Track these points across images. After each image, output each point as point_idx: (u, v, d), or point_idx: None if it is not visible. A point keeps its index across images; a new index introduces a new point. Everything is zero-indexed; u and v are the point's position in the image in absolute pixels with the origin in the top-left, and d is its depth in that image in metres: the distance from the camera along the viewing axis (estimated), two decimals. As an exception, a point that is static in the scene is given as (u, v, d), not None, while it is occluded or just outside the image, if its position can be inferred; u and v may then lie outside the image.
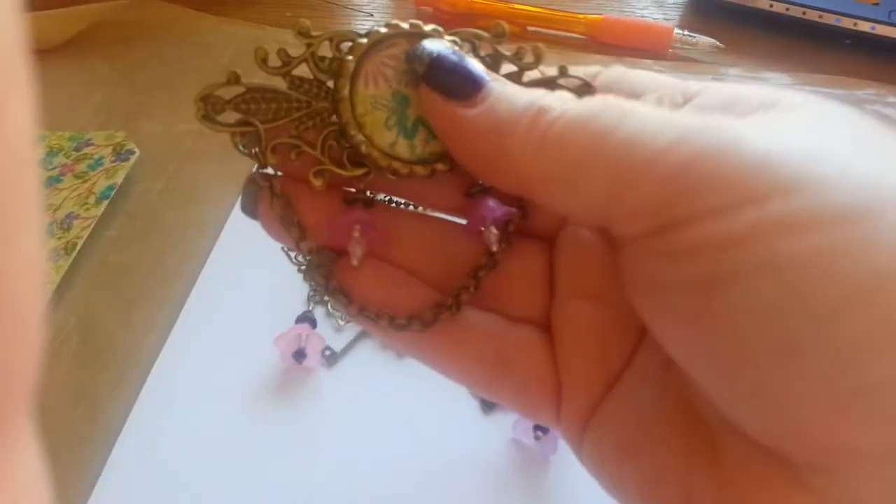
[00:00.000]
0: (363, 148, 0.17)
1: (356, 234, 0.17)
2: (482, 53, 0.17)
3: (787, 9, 0.47)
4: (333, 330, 0.29)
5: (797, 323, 0.13)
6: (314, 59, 0.17)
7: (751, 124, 0.14)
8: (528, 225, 0.19)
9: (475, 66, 0.17)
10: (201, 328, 0.29)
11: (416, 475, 0.24)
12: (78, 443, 0.26)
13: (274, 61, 0.17)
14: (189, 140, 0.39)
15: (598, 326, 0.18)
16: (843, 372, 0.13)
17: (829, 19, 0.46)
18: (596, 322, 0.19)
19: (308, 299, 0.30)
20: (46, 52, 0.43)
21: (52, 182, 0.35)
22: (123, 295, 0.31)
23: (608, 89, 0.18)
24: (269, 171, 0.18)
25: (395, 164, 0.17)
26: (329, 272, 0.18)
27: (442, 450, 0.25)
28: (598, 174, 0.15)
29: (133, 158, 0.36)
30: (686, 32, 0.46)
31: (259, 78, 0.17)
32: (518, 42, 0.18)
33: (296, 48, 0.17)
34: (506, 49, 0.18)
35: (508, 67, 0.18)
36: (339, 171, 0.17)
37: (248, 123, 0.17)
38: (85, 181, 0.35)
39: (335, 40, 0.17)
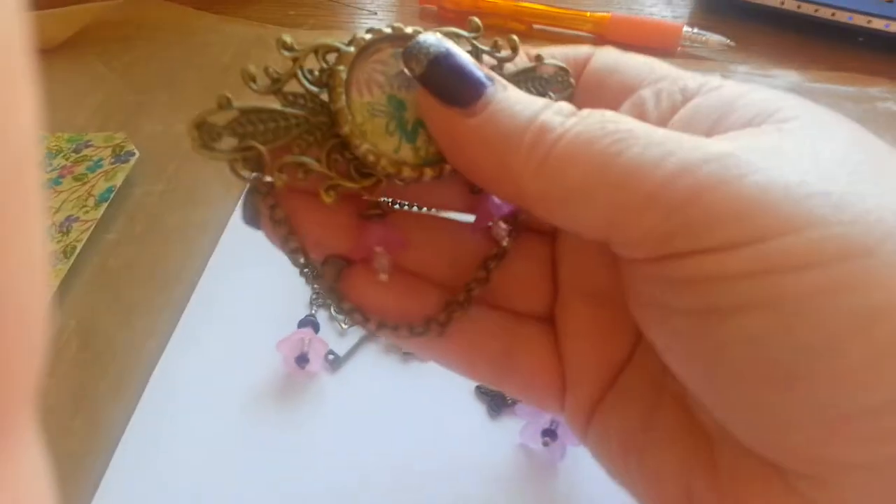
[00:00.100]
0: (370, 157, 0.17)
1: (379, 249, 0.18)
2: (466, 48, 0.17)
3: (799, 6, 0.47)
4: (336, 334, 0.29)
5: (793, 356, 0.14)
6: (303, 73, 0.17)
7: (749, 148, 0.15)
8: (530, 218, 0.19)
9: (475, 67, 0.17)
10: (202, 332, 0.29)
11: (422, 481, 0.24)
12: (78, 449, 0.26)
13: (262, 79, 0.17)
14: (188, 141, 0.39)
15: (600, 322, 0.19)
16: (835, 400, 0.14)
17: (842, 17, 0.46)
18: (597, 318, 0.19)
19: (311, 303, 0.30)
20: (43, 53, 0.44)
21: (52, 184, 0.35)
22: (123, 299, 0.31)
23: (603, 79, 0.19)
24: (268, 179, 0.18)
25: (405, 170, 0.17)
26: (342, 294, 0.18)
27: (448, 455, 0.25)
28: (599, 202, 0.15)
29: (133, 160, 0.36)
30: (695, 30, 0.46)
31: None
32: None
33: (280, 63, 0.17)
34: (483, 43, 0.18)
35: (488, 61, 0.18)
36: (348, 184, 0.17)
37: (248, 147, 0.16)
38: (84, 183, 0.35)
39: (320, 51, 0.17)
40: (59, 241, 0.32)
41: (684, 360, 0.16)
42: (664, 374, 0.18)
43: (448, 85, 0.16)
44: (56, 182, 0.35)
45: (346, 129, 0.17)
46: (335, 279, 0.18)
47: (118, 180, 0.35)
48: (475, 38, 0.18)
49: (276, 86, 0.17)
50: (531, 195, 0.16)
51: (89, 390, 0.28)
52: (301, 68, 0.17)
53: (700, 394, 0.16)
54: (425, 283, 0.19)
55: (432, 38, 0.17)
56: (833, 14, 0.46)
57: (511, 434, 0.25)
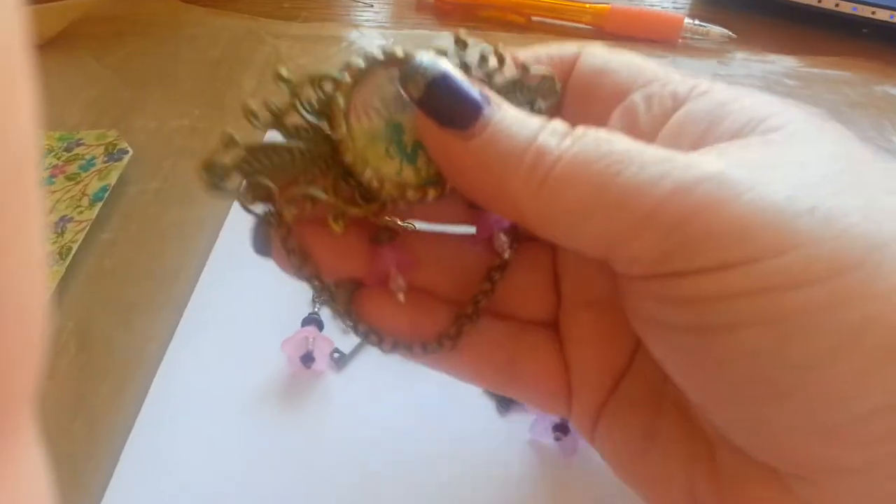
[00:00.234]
0: (374, 183, 0.18)
1: (394, 272, 0.19)
2: (455, 62, 0.18)
3: (802, -4, 0.48)
4: (341, 332, 0.29)
5: (787, 369, 0.15)
6: (302, 105, 0.18)
7: (739, 164, 0.16)
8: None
9: (471, 88, 0.17)
10: (204, 333, 0.29)
11: (432, 480, 0.25)
12: (79, 458, 0.26)
13: (263, 114, 0.17)
14: (183, 137, 0.39)
15: (602, 329, 0.20)
16: (827, 409, 0.15)
17: (846, 7, 0.47)
18: (599, 324, 0.20)
19: (313, 300, 0.31)
20: (33, 48, 0.44)
21: (44, 184, 0.35)
22: (121, 300, 0.31)
23: (592, 82, 0.20)
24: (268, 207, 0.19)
25: (409, 192, 0.18)
26: (357, 317, 0.19)
27: (458, 453, 0.25)
28: (597, 222, 0.16)
29: (126, 158, 0.36)
30: (697, 22, 0.47)
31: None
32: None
33: (277, 95, 0.18)
34: (470, 55, 0.19)
35: (477, 74, 0.19)
36: (355, 210, 0.18)
37: (256, 184, 0.17)
38: (77, 183, 0.35)
39: (316, 81, 0.18)
40: (54, 242, 0.32)
41: (683, 372, 0.17)
42: (664, 380, 0.19)
43: (446, 108, 0.17)
44: (48, 181, 0.35)
45: (348, 158, 0.18)
46: (348, 302, 0.19)
47: (112, 179, 0.35)
48: (463, 54, 0.19)
49: (277, 120, 0.18)
50: (530, 216, 0.17)
51: (89, 393, 0.28)
52: (299, 100, 0.18)
53: (699, 403, 0.17)
54: (434, 300, 0.20)
55: (428, 61, 0.17)
56: (837, 5, 0.47)
57: (521, 430, 0.26)
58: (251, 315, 0.30)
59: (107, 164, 0.36)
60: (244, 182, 0.17)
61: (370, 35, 0.48)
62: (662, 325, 0.17)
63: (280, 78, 0.17)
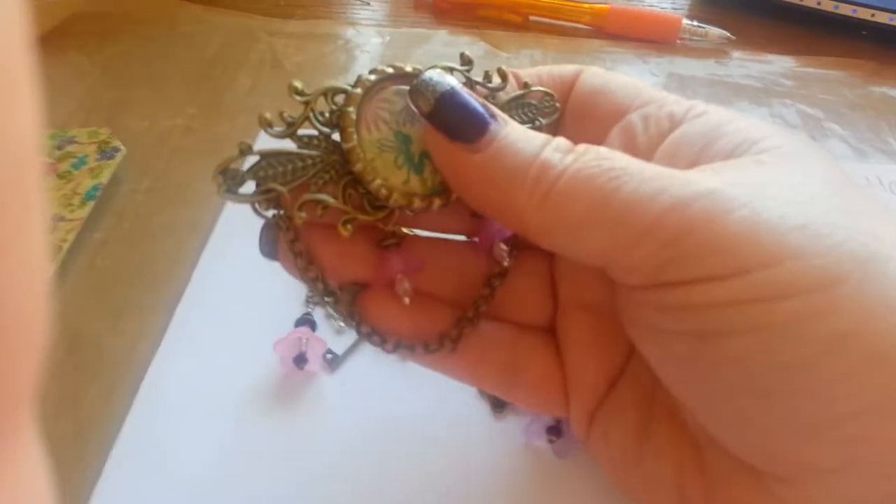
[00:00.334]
0: (383, 191, 0.19)
1: (400, 276, 0.20)
2: (460, 80, 0.19)
3: (801, -2, 0.48)
4: (335, 332, 0.30)
5: (773, 373, 0.16)
6: (315, 116, 0.19)
7: (733, 183, 0.17)
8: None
9: (478, 104, 0.18)
10: (195, 334, 0.30)
11: (425, 482, 0.25)
12: (66, 460, 0.26)
13: (278, 124, 0.19)
14: (175, 136, 0.39)
15: (597, 333, 0.21)
16: (810, 411, 0.16)
17: (846, 10, 0.47)
18: (595, 329, 0.21)
19: (307, 301, 0.31)
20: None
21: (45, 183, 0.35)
22: (112, 300, 0.31)
23: (591, 101, 0.21)
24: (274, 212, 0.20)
25: (415, 201, 0.19)
26: (360, 318, 0.20)
27: (451, 455, 0.26)
28: (598, 234, 0.17)
29: (119, 156, 0.37)
30: (695, 23, 0.47)
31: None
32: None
33: (292, 107, 0.19)
34: (475, 75, 0.20)
35: (481, 91, 0.20)
36: (364, 217, 0.19)
37: (269, 189, 0.18)
38: (69, 181, 0.35)
39: (329, 94, 0.19)
40: (44, 241, 0.32)
41: (676, 377, 0.18)
42: (656, 386, 0.20)
43: (454, 122, 0.18)
44: (39, 179, 0.36)
45: (358, 167, 0.19)
46: (351, 304, 0.20)
47: (104, 178, 0.35)
48: (468, 71, 0.20)
49: (290, 129, 0.19)
50: (534, 228, 0.18)
51: (78, 395, 0.28)
52: (313, 111, 0.19)
53: (690, 406, 0.18)
54: (437, 303, 0.21)
55: (437, 76, 0.19)
56: (836, 7, 0.47)
57: (515, 433, 0.26)
58: (243, 315, 0.30)
59: (99, 163, 0.36)
60: (257, 186, 0.18)
61: (367, 33, 0.48)
62: (657, 331, 0.18)
63: (295, 91, 0.19)
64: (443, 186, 0.19)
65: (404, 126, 0.19)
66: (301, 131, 0.19)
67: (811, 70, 0.46)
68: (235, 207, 0.34)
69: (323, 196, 0.19)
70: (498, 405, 0.27)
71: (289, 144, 0.19)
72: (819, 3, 0.48)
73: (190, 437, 0.26)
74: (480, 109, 0.18)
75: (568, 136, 0.18)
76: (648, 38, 0.48)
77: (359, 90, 0.19)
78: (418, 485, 0.25)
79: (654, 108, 0.20)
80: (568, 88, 0.22)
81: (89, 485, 0.25)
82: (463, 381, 0.22)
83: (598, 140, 0.20)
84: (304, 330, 0.28)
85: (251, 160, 0.18)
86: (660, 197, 0.16)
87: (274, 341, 0.28)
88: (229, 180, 0.18)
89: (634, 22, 0.49)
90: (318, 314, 0.30)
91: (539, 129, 0.20)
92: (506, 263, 0.21)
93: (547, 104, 0.21)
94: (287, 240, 0.19)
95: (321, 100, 0.19)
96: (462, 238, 0.22)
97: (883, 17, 0.46)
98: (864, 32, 0.48)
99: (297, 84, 0.19)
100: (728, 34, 0.47)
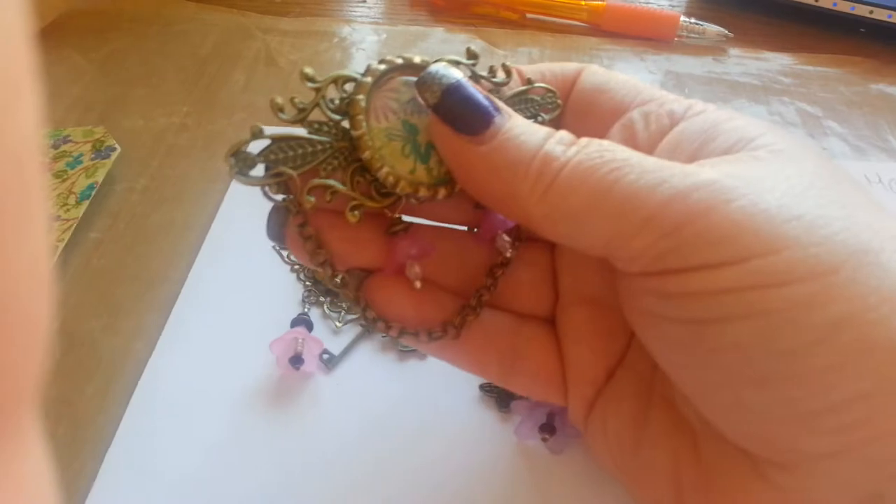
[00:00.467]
0: (390, 179, 0.19)
1: (411, 260, 0.20)
2: (466, 73, 0.20)
3: (799, -5, 0.49)
4: (331, 332, 0.30)
5: (770, 359, 0.16)
6: (325, 103, 0.19)
7: (731, 175, 0.17)
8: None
9: (483, 97, 0.19)
10: (191, 334, 0.30)
11: (420, 481, 0.25)
12: (62, 460, 0.26)
13: (290, 110, 0.19)
14: (171, 135, 0.40)
15: (596, 323, 0.22)
16: (805, 397, 0.16)
17: (844, 7, 0.47)
18: (594, 319, 0.22)
19: (303, 301, 0.31)
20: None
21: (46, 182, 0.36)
22: (108, 299, 0.31)
23: (592, 98, 0.22)
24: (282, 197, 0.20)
25: (421, 190, 0.20)
26: (366, 304, 0.21)
27: (447, 454, 0.26)
28: (599, 224, 0.17)
29: (114, 155, 0.37)
30: (693, 20, 0.48)
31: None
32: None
33: (303, 93, 0.19)
34: (481, 69, 0.21)
35: (485, 85, 0.21)
36: (371, 203, 0.20)
37: (279, 173, 0.19)
38: (64, 180, 0.36)
39: (339, 81, 0.19)
40: (39, 240, 0.33)
41: (675, 363, 0.19)
42: (654, 375, 0.21)
43: (460, 114, 0.19)
44: (34, 179, 0.36)
45: (367, 154, 0.19)
46: (357, 289, 0.21)
47: (99, 177, 0.36)
48: (473, 65, 0.21)
49: (301, 115, 0.19)
50: (536, 218, 0.18)
51: (74, 395, 0.28)
52: (323, 98, 0.19)
53: (689, 391, 0.19)
54: (440, 291, 0.22)
55: (443, 69, 0.19)
56: (834, 4, 0.48)
57: (509, 431, 0.26)
58: (239, 315, 0.30)
59: (94, 162, 0.36)
60: (267, 170, 0.19)
61: (362, 31, 0.48)
62: (657, 318, 0.18)
63: (306, 77, 0.19)
64: (448, 177, 0.20)
65: (412, 116, 0.20)
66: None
67: (809, 68, 0.46)
68: (232, 205, 0.34)
69: (332, 182, 0.19)
70: (503, 399, 0.27)
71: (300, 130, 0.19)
72: (817, 1, 0.48)
73: (186, 436, 0.26)
74: (485, 102, 0.19)
75: (569, 132, 0.19)
76: (646, 35, 0.48)
77: (368, 79, 0.19)
78: (413, 485, 0.25)
79: (654, 106, 0.21)
80: (569, 86, 0.22)
81: (86, 484, 0.25)
82: (464, 368, 0.23)
83: (599, 137, 0.20)
84: (301, 330, 0.29)
85: (262, 144, 0.19)
86: (660, 188, 0.17)
87: (270, 341, 0.28)
88: (241, 162, 0.18)
89: (631, 19, 0.49)
90: (315, 314, 0.30)
91: (541, 124, 0.21)
92: (508, 254, 0.22)
93: (549, 100, 0.22)
94: (296, 224, 0.20)
95: (332, 87, 0.19)
96: (464, 229, 0.23)
97: (881, 14, 0.47)
98: (862, 30, 0.49)
99: (309, 71, 0.19)
100: (726, 32, 0.47)
